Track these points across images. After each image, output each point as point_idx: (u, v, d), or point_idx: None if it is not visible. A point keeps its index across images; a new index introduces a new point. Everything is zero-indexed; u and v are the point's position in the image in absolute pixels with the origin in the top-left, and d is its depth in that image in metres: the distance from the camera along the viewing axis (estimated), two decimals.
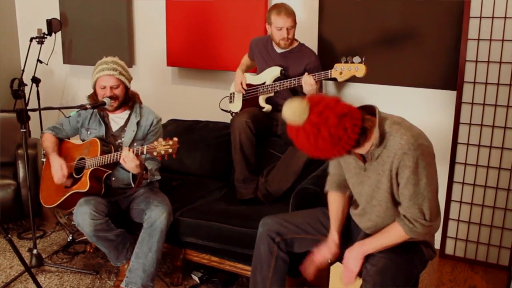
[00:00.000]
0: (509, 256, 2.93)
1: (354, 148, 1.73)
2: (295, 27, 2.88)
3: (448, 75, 2.94)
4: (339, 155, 1.70)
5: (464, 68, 2.86)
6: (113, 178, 2.63)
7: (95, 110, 2.66)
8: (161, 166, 2.75)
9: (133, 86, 2.71)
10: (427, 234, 1.83)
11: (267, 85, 2.94)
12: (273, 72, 2.93)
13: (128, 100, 2.66)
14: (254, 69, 3.18)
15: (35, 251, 2.78)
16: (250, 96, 3.05)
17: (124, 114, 2.69)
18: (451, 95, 2.97)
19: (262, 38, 3.07)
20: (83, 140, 2.71)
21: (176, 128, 3.39)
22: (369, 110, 1.78)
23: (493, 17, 2.74)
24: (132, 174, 2.52)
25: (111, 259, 2.62)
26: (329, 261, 2.05)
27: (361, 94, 3.22)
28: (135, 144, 2.61)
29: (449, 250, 3.11)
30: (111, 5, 4.00)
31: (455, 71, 2.90)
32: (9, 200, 3.21)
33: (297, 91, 2.93)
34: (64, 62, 4.41)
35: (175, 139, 2.28)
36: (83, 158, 2.60)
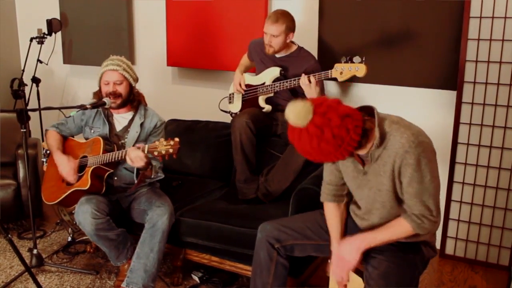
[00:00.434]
0: (509, 256, 2.93)
1: (356, 150, 1.73)
2: (281, 37, 2.80)
3: (448, 75, 2.94)
4: (341, 157, 1.68)
5: (464, 68, 2.86)
6: (115, 178, 2.63)
7: (100, 109, 2.66)
8: (163, 166, 2.74)
9: None
10: (433, 230, 1.82)
11: (267, 86, 2.94)
12: (273, 72, 2.93)
13: (133, 99, 2.66)
14: (253, 69, 3.17)
15: (35, 251, 2.78)
16: (250, 96, 3.05)
17: (128, 114, 2.69)
18: (451, 95, 2.97)
19: (260, 41, 2.99)
20: (86, 139, 2.71)
21: (176, 128, 3.39)
22: (368, 111, 1.78)
23: (493, 17, 2.74)
24: (136, 169, 2.51)
25: (111, 259, 2.63)
26: (329, 261, 2.04)
27: (361, 94, 3.22)
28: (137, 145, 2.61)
29: (449, 250, 3.11)
30: (111, 5, 4.00)
31: (455, 71, 2.90)
32: (9, 200, 3.21)
33: (297, 92, 2.92)
34: (64, 62, 4.41)
35: (177, 139, 2.28)
36: (85, 156, 2.60)
